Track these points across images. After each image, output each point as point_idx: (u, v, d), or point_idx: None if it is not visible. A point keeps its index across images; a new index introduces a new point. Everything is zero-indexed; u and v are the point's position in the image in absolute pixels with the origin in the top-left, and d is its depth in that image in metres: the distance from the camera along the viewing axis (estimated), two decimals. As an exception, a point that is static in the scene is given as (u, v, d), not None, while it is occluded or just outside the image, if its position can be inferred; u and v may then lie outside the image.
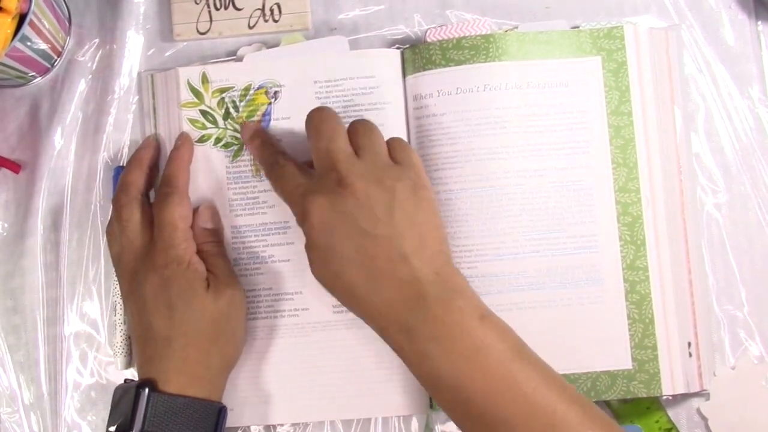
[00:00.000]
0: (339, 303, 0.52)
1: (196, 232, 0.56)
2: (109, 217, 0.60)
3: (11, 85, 0.62)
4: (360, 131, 0.52)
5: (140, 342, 0.53)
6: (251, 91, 0.59)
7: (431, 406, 0.57)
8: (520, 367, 0.47)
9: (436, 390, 0.49)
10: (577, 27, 0.60)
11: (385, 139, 0.53)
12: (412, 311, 0.48)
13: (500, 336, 0.48)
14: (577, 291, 0.57)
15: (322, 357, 0.57)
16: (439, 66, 0.58)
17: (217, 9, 0.61)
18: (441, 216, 0.53)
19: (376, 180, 0.50)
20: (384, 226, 0.49)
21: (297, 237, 0.58)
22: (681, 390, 0.57)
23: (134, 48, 0.62)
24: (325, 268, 0.50)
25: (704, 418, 0.58)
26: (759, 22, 0.62)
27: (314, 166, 0.52)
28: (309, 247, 0.50)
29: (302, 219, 0.50)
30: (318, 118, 0.53)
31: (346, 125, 0.53)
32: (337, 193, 0.49)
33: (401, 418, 0.59)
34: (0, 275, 0.60)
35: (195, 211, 0.57)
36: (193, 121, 0.59)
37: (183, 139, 0.58)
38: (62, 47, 0.62)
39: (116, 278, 0.58)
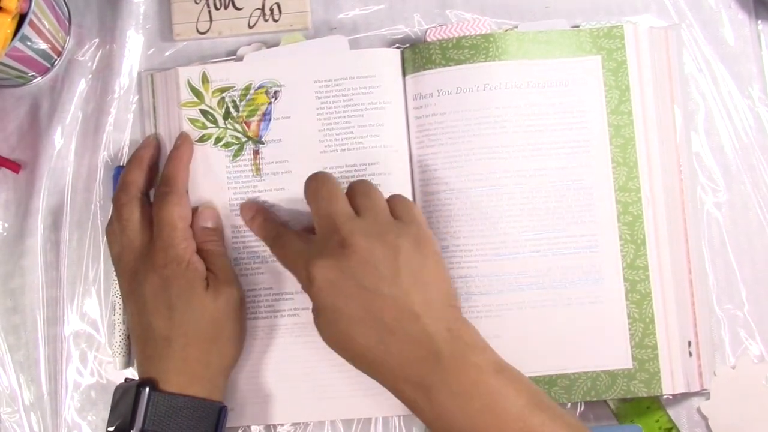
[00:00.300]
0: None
1: (196, 232, 0.56)
2: (109, 217, 0.60)
3: (11, 85, 0.62)
4: (359, 191, 0.53)
5: (140, 342, 0.53)
6: (251, 91, 0.59)
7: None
8: (540, 420, 0.47)
9: None
10: (577, 26, 0.60)
11: (386, 196, 0.53)
12: (427, 369, 0.47)
13: (517, 389, 0.47)
14: (577, 290, 0.57)
15: (323, 356, 0.57)
16: (439, 65, 0.58)
17: (217, 9, 0.61)
18: (448, 269, 0.53)
19: (378, 238, 0.49)
20: (390, 284, 0.48)
21: (297, 236, 0.58)
22: (681, 389, 0.57)
23: (134, 48, 0.62)
24: (333, 329, 0.50)
25: (704, 418, 0.58)
26: (759, 22, 0.62)
27: (316, 230, 0.52)
28: (316, 311, 0.50)
29: (308, 284, 0.50)
30: (315, 182, 0.53)
31: (344, 187, 0.53)
32: (340, 254, 0.49)
33: (401, 417, 0.59)
34: (0, 275, 0.60)
35: (195, 210, 0.57)
36: (193, 121, 0.59)
37: (182, 139, 0.58)
38: (62, 47, 0.62)
39: (116, 278, 0.58)
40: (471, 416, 0.46)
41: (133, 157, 0.58)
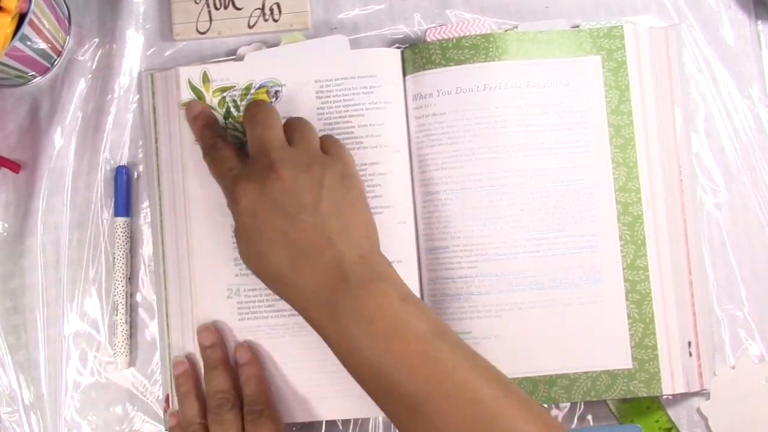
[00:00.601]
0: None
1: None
2: (109, 217, 0.60)
3: (11, 85, 0.62)
4: (295, 125, 0.55)
5: None
6: (252, 90, 0.59)
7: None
8: (439, 346, 0.48)
9: (358, 371, 0.49)
10: (577, 26, 0.60)
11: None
12: (335, 292, 0.49)
13: (421, 317, 0.49)
14: (578, 291, 0.57)
15: (323, 356, 0.57)
16: (439, 65, 0.58)
17: (217, 8, 0.61)
18: (369, 204, 0.54)
19: (305, 168, 0.51)
20: (310, 211, 0.50)
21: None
22: (681, 389, 0.57)
23: (134, 48, 0.62)
24: (250, 249, 0.52)
25: (704, 418, 0.58)
26: (759, 22, 0.62)
27: (249, 153, 0.54)
28: (237, 230, 0.52)
29: (232, 202, 0.52)
30: (255, 107, 0.55)
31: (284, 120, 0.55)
32: (266, 178, 0.51)
33: (401, 417, 0.59)
34: (0, 275, 0.60)
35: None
36: (193, 121, 0.59)
37: (249, 359, 0.57)
38: (62, 47, 0.62)
39: (117, 278, 0.58)
40: (373, 337, 0.48)
41: (180, 392, 0.57)
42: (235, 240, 0.53)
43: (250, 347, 0.57)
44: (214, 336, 0.57)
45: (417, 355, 0.47)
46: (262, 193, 0.50)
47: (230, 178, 0.52)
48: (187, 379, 0.57)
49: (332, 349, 0.50)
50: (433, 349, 0.48)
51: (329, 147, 0.54)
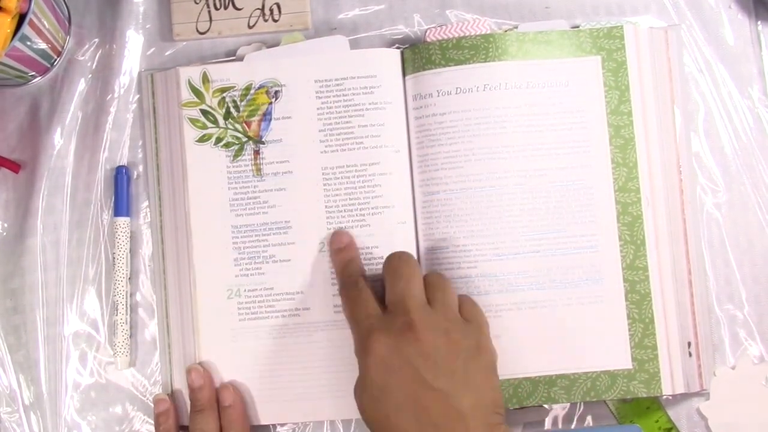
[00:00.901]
0: (339, 303, 0.51)
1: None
2: (109, 217, 0.60)
3: (11, 85, 0.62)
4: (435, 283, 0.53)
5: None
6: (252, 91, 0.59)
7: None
8: None
9: None
10: (577, 27, 0.60)
11: (457, 294, 0.54)
12: None
13: None
14: (577, 291, 0.57)
15: (323, 356, 0.57)
16: (439, 66, 0.58)
17: (217, 9, 0.61)
18: (498, 378, 0.53)
19: (444, 333, 0.50)
20: (444, 380, 0.49)
21: (297, 237, 0.58)
22: (681, 390, 0.57)
23: (134, 48, 0.62)
24: (375, 406, 0.49)
25: (704, 418, 0.58)
26: (759, 22, 0.62)
27: (387, 304, 0.52)
28: (362, 383, 0.50)
29: (363, 351, 0.50)
30: (398, 259, 0.54)
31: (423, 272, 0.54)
32: (404, 337, 0.49)
33: (401, 417, 0.59)
34: (0, 275, 0.60)
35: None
36: (193, 121, 0.59)
37: (233, 401, 0.57)
38: (62, 47, 0.62)
39: (117, 278, 0.59)
40: None
41: (159, 430, 0.57)
42: (355, 387, 0.51)
43: (235, 389, 0.57)
44: (202, 377, 0.57)
45: None
46: (399, 351, 0.49)
47: (367, 325, 0.51)
48: (167, 418, 0.57)
49: None
50: None
51: (467, 310, 0.53)
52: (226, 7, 0.61)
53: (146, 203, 0.61)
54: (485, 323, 0.54)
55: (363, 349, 0.50)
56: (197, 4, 0.61)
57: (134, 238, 0.61)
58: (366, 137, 0.58)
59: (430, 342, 0.49)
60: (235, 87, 0.59)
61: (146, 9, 0.62)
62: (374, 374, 0.49)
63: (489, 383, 0.51)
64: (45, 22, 0.57)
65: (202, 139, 0.59)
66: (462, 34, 0.59)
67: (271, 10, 0.61)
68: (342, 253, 0.57)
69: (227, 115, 0.59)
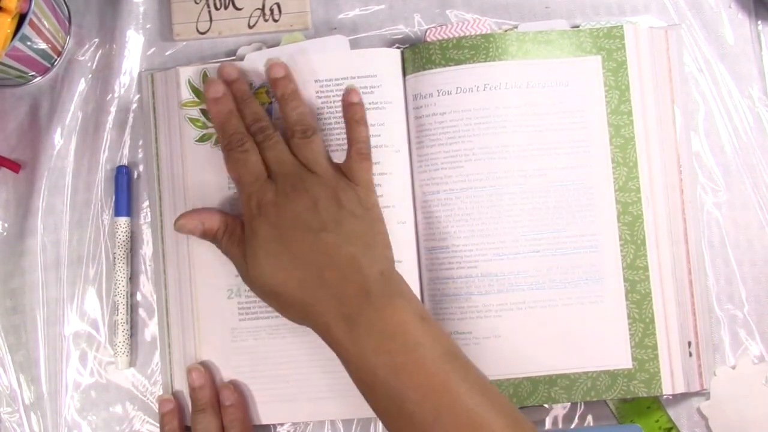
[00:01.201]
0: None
1: None
2: (110, 216, 0.60)
3: (11, 85, 0.62)
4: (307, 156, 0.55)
5: None
6: (252, 91, 0.59)
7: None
8: (453, 368, 0.48)
9: (372, 389, 0.50)
10: (577, 26, 0.60)
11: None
12: (356, 305, 0.49)
13: (437, 338, 0.50)
14: (577, 290, 0.57)
15: (324, 357, 0.57)
16: (439, 66, 0.58)
17: (217, 9, 0.61)
18: (385, 223, 0.56)
19: (329, 189, 0.53)
20: (333, 228, 0.51)
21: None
22: (681, 389, 0.57)
23: (134, 48, 0.62)
24: (268, 264, 0.51)
25: (704, 418, 0.58)
26: (759, 22, 0.62)
27: (268, 164, 0.54)
28: (252, 244, 0.52)
29: (252, 211, 0.52)
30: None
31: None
32: (291, 195, 0.52)
33: (401, 417, 0.59)
34: (0, 275, 0.60)
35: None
36: (193, 121, 0.59)
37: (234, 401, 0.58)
38: (62, 47, 0.62)
39: (117, 278, 0.59)
40: (391, 354, 0.48)
41: (165, 430, 0.58)
42: (245, 257, 0.53)
43: (235, 388, 0.57)
44: (203, 377, 0.57)
45: (431, 376, 0.48)
46: (286, 208, 0.51)
47: (255, 187, 0.53)
48: (173, 417, 0.58)
49: (347, 367, 0.50)
50: (446, 372, 0.48)
51: (351, 171, 0.55)
52: (226, 7, 0.61)
53: (146, 203, 0.61)
54: (369, 178, 0.56)
55: (252, 209, 0.53)
56: (197, 4, 0.61)
57: (134, 238, 0.61)
58: (366, 137, 0.58)
59: (316, 200, 0.52)
60: (235, 87, 0.59)
61: (146, 9, 0.62)
62: (264, 231, 0.52)
63: (375, 230, 0.54)
64: (45, 22, 0.57)
65: (202, 139, 0.59)
66: (462, 34, 0.59)
67: (272, 10, 0.61)
68: (219, 104, 0.56)
69: (227, 114, 0.59)
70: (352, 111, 0.57)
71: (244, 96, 0.57)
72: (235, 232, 0.55)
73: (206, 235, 0.56)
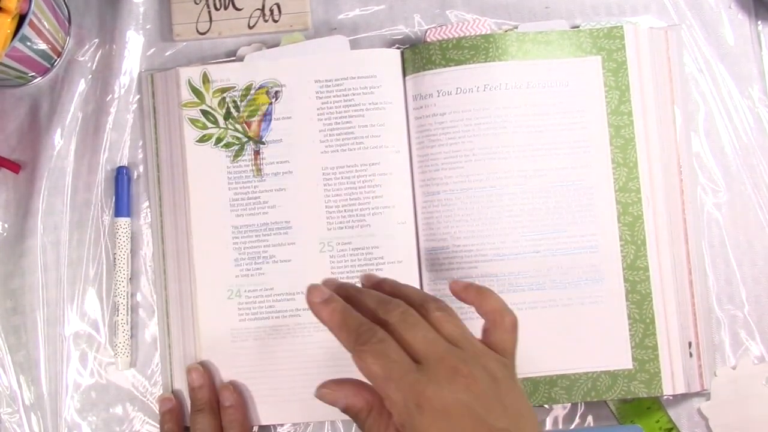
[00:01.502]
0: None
1: None
2: (109, 217, 0.60)
3: (11, 85, 0.62)
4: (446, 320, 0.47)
5: None
6: (252, 91, 0.59)
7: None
8: None
9: None
10: (577, 27, 0.60)
11: None
12: None
13: None
14: (578, 291, 0.57)
15: (323, 357, 0.57)
16: (439, 66, 0.58)
17: (217, 9, 0.61)
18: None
19: (483, 369, 0.44)
20: (504, 417, 0.43)
21: (298, 237, 0.58)
22: (681, 390, 0.57)
23: (134, 48, 0.62)
24: None
25: (705, 418, 0.58)
26: (759, 22, 0.62)
27: (420, 355, 0.45)
28: None
29: (415, 407, 0.43)
30: (397, 308, 0.46)
31: None
32: (455, 385, 0.43)
33: (402, 418, 0.58)
34: (0, 275, 0.60)
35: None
36: (193, 121, 0.59)
37: (234, 401, 0.57)
38: (62, 47, 0.62)
39: (118, 279, 0.59)
40: None
41: (164, 429, 0.58)
42: None
43: (235, 389, 0.57)
44: (202, 377, 0.57)
45: None
46: (455, 400, 0.43)
47: (408, 380, 0.43)
48: (172, 416, 0.58)
49: None
50: None
51: (491, 337, 0.48)
52: (226, 8, 0.61)
53: (147, 204, 0.61)
54: (512, 345, 0.48)
55: (414, 404, 0.43)
56: (197, 4, 0.61)
57: (135, 239, 0.61)
58: (366, 137, 0.58)
59: (479, 382, 0.44)
60: (235, 87, 0.59)
61: (146, 9, 0.62)
62: (435, 426, 0.42)
63: (528, 406, 0.46)
64: (45, 23, 0.57)
65: (203, 140, 0.59)
66: (462, 35, 0.59)
67: (271, 11, 0.61)
68: (331, 303, 0.47)
69: (227, 115, 0.59)
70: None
71: (357, 291, 0.49)
72: (382, 413, 0.47)
73: (348, 411, 0.48)
